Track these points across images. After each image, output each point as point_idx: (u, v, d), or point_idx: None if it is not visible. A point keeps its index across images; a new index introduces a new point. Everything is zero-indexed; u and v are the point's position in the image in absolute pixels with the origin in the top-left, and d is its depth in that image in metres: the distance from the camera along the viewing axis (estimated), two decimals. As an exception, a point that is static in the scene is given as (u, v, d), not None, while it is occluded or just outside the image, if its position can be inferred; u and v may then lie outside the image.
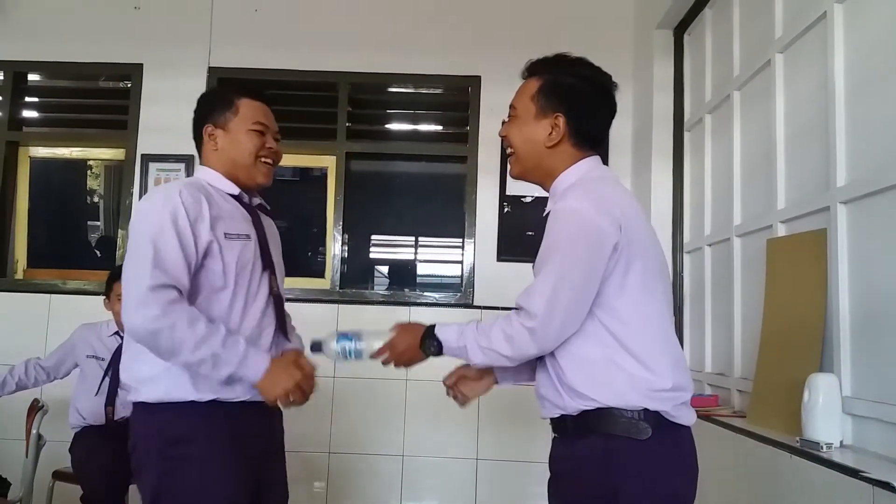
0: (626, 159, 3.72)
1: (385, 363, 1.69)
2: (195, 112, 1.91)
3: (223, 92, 1.92)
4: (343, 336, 1.72)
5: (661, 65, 3.46)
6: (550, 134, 1.55)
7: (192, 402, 1.67)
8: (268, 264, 1.86)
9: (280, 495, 1.92)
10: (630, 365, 1.44)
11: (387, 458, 3.67)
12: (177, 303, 1.60)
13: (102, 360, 3.08)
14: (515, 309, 1.48)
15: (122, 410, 3.05)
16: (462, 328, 1.55)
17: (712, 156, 3.07)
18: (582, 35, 3.71)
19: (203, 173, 1.86)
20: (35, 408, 2.89)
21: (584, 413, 1.46)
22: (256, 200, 1.92)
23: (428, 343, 1.58)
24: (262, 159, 1.86)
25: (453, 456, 3.65)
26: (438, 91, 4.06)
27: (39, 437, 2.84)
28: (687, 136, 3.38)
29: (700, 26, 3.24)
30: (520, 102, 1.60)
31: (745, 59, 2.75)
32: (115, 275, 3.07)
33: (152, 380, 1.68)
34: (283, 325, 1.87)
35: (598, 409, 1.44)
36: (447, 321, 1.61)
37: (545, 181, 1.60)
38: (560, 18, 3.81)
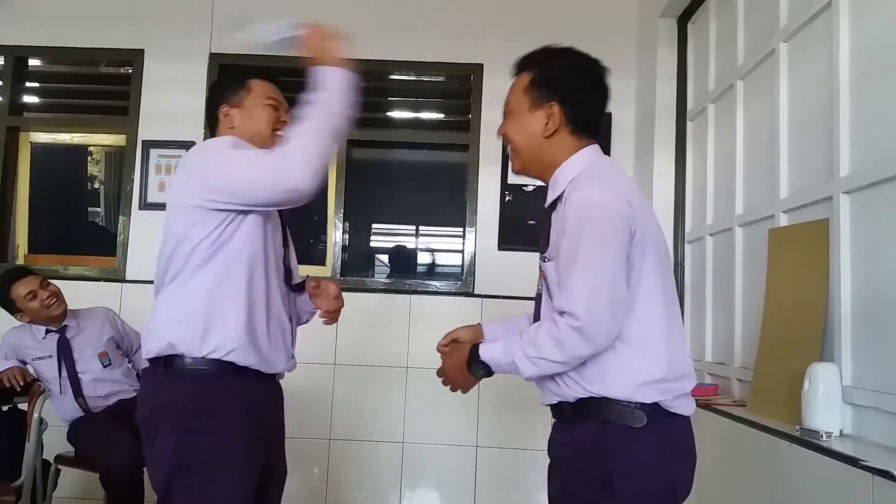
0: (628, 148, 3.71)
1: (445, 384, 1.69)
2: (208, 97, 1.97)
3: (234, 75, 2.01)
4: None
5: (665, 54, 3.45)
6: (547, 124, 1.55)
7: (206, 371, 1.67)
8: (286, 240, 1.96)
9: (283, 472, 1.96)
10: (629, 355, 1.44)
11: (387, 444, 3.68)
12: (288, 151, 1.65)
13: (50, 356, 3.07)
14: (559, 313, 1.44)
15: (102, 391, 3.06)
16: (507, 344, 1.51)
17: (715, 145, 3.06)
18: (585, 23, 3.70)
19: None
20: (37, 392, 2.90)
21: (582, 400, 1.47)
22: None
23: (475, 368, 1.55)
24: (278, 132, 1.91)
25: (453, 443, 3.66)
26: (440, 79, 4.05)
27: (41, 420, 2.84)
28: (690, 125, 3.37)
29: (704, 15, 3.23)
30: (513, 98, 1.61)
31: (748, 48, 2.74)
32: (5, 283, 3.05)
33: (165, 329, 1.68)
34: (291, 301, 1.93)
35: (594, 396, 1.45)
36: (494, 347, 1.55)
37: (546, 173, 1.60)
38: (563, 6, 3.79)
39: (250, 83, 1.94)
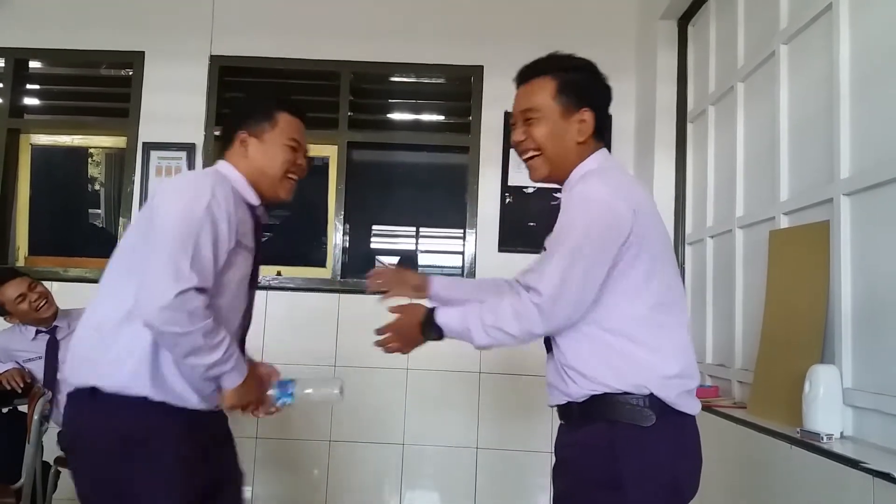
0: (628, 150, 3.71)
1: (386, 348, 1.70)
2: (230, 115, 1.92)
3: (264, 102, 1.89)
4: (282, 385, 1.83)
5: (665, 55, 3.45)
6: (580, 130, 1.57)
7: (146, 399, 1.62)
8: (254, 282, 1.86)
9: (238, 492, 1.90)
10: (635, 350, 1.46)
11: (387, 446, 3.68)
12: (202, 309, 1.57)
13: (40, 357, 3.07)
14: (526, 289, 1.48)
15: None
16: (464, 311, 1.55)
17: (715, 147, 3.06)
18: (585, 25, 3.70)
19: (228, 171, 1.80)
20: (37, 394, 2.89)
21: (590, 399, 1.47)
22: (265, 218, 1.90)
23: (428, 330, 1.59)
24: (290, 175, 1.86)
25: (454, 445, 3.66)
26: (441, 81, 4.05)
27: (41, 422, 2.84)
28: (690, 127, 3.37)
29: (704, 17, 3.23)
30: (540, 103, 1.58)
31: (749, 50, 2.74)
32: (1, 280, 3.04)
33: (113, 366, 1.62)
34: (243, 343, 1.86)
35: (604, 394, 1.46)
36: (451, 313, 1.59)
37: (564, 177, 1.61)
38: (563, 8, 3.80)
39: (278, 118, 1.83)
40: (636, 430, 1.43)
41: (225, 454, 1.87)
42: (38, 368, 3.07)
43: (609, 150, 1.66)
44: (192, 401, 1.68)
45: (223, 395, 1.70)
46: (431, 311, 1.59)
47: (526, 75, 1.63)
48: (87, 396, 1.63)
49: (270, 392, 1.81)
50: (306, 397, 1.85)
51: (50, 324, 3.11)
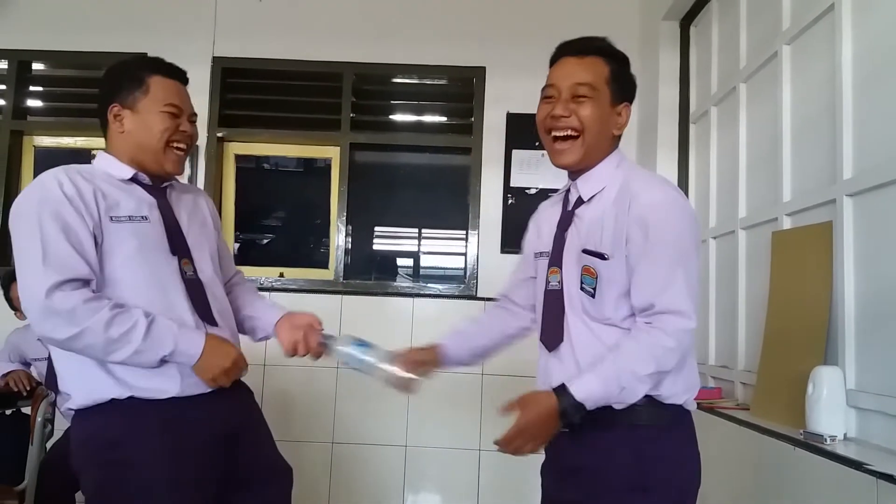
0: (631, 151, 3.70)
1: (513, 449, 1.41)
2: (99, 89, 1.73)
3: (132, 67, 1.72)
4: (358, 343, 1.70)
5: (667, 56, 3.45)
6: (619, 123, 1.55)
7: (116, 401, 1.57)
8: (178, 248, 1.70)
9: (276, 474, 1.82)
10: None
11: (390, 448, 3.68)
12: (82, 304, 1.48)
13: (45, 359, 3.05)
14: (646, 315, 1.41)
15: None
16: (600, 373, 1.38)
17: (718, 148, 3.06)
18: (587, 26, 3.64)
19: (98, 160, 1.71)
20: (40, 396, 2.89)
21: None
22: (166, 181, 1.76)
23: (572, 413, 1.37)
24: (175, 144, 1.70)
25: (456, 447, 3.66)
26: (443, 82, 4.05)
27: (45, 424, 2.84)
28: (692, 128, 3.36)
29: (706, 18, 3.23)
30: (596, 82, 1.50)
31: (751, 50, 2.73)
32: (7, 281, 3.06)
33: (72, 383, 1.60)
34: (203, 312, 1.70)
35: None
36: (587, 381, 1.39)
37: (588, 166, 1.55)
38: (565, 9, 3.79)
39: (148, 81, 1.67)
40: (655, 431, 1.43)
41: (247, 449, 1.75)
42: (44, 368, 3.08)
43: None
44: (168, 389, 1.59)
45: (197, 373, 1.60)
46: (561, 391, 1.38)
47: (580, 48, 1.53)
48: (73, 417, 1.64)
49: (341, 348, 1.73)
50: (368, 369, 1.73)
51: None
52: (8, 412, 3.06)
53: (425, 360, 1.78)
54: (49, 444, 2.93)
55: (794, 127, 2.36)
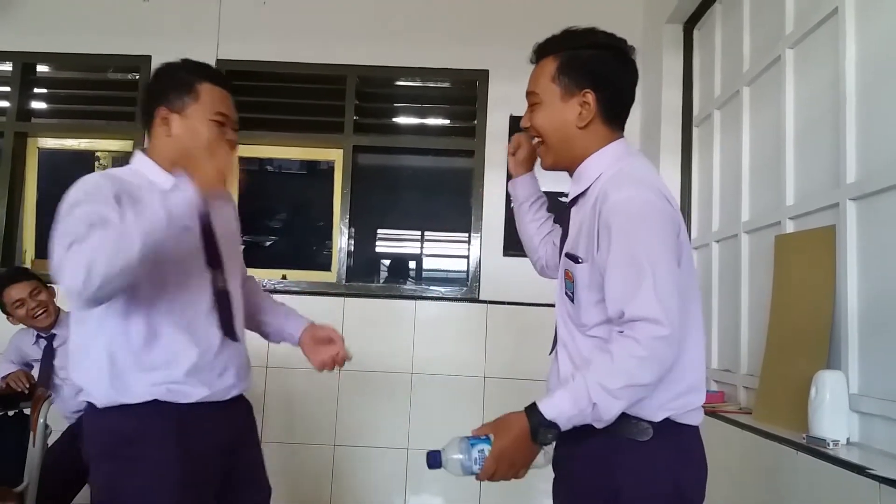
0: (633, 154, 3.70)
1: (494, 479, 1.36)
2: (148, 89, 1.72)
3: (182, 72, 1.71)
4: (477, 440, 1.38)
5: (670, 59, 3.44)
6: (581, 113, 1.45)
7: (140, 404, 1.60)
8: (213, 260, 1.71)
9: (258, 493, 1.85)
10: None
11: (391, 451, 3.68)
12: (78, 244, 1.39)
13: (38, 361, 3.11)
14: (619, 324, 1.31)
15: (76, 405, 3.02)
16: (569, 390, 1.30)
17: (721, 151, 3.06)
18: (591, 29, 3.69)
19: (137, 163, 1.70)
20: (41, 397, 2.90)
21: None
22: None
23: (543, 434, 1.31)
24: None
25: (458, 450, 3.65)
26: (446, 85, 4.06)
27: (46, 426, 2.84)
28: (695, 131, 3.36)
29: (710, 21, 3.22)
30: (540, 87, 1.48)
31: (754, 54, 2.73)
32: (8, 279, 3.06)
33: (95, 383, 1.61)
34: (227, 326, 1.73)
35: None
36: (557, 399, 1.31)
37: (572, 165, 1.50)
38: (568, 12, 3.75)
39: (199, 89, 1.67)
40: (633, 443, 1.37)
41: (241, 464, 1.78)
42: (38, 371, 3.10)
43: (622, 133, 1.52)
44: (193, 393, 1.63)
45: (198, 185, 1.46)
46: (531, 412, 1.33)
47: (536, 54, 1.52)
48: (88, 410, 1.66)
49: (460, 457, 1.39)
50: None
51: (48, 331, 3.11)
52: (11, 413, 3.06)
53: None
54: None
55: (797, 130, 2.36)
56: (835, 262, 2.02)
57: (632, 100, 1.52)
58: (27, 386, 2.96)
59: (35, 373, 3.16)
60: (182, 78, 1.69)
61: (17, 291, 3.04)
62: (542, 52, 1.52)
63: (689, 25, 3.42)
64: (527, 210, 1.79)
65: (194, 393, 1.64)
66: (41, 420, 2.80)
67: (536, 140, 1.54)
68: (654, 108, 3.50)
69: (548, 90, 1.48)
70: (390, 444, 3.68)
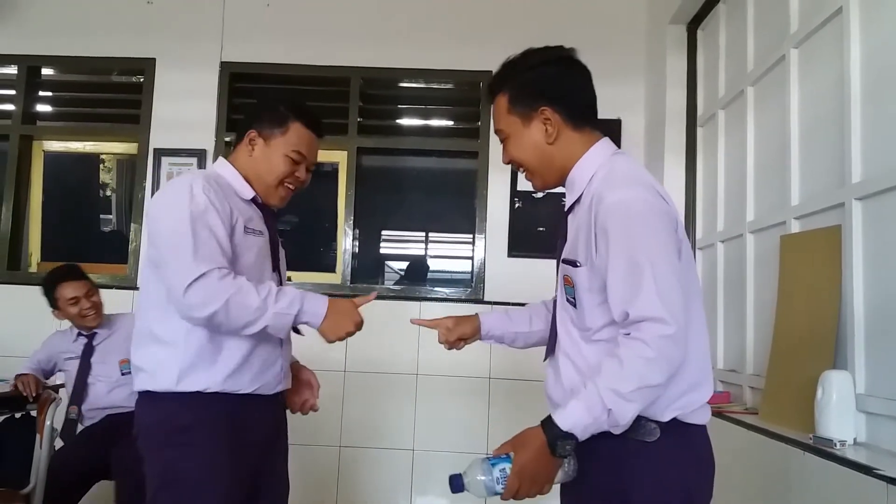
0: (638, 154, 3.70)
1: (519, 496, 1.36)
2: (249, 111, 1.93)
3: (282, 107, 1.87)
4: (497, 460, 1.36)
5: (675, 60, 3.44)
6: (546, 130, 1.49)
7: (197, 393, 1.70)
8: (277, 264, 1.90)
9: (280, 485, 1.95)
10: None
11: (397, 452, 3.68)
12: (219, 280, 1.61)
13: (77, 357, 3.10)
14: (625, 326, 1.32)
15: (107, 402, 3.05)
16: (582, 399, 1.30)
17: (725, 151, 3.05)
18: (594, 30, 3.70)
19: (222, 168, 1.87)
20: (47, 400, 2.91)
21: None
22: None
23: (561, 446, 1.32)
24: (287, 183, 1.88)
25: (463, 450, 3.65)
26: (449, 86, 4.06)
27: (52, 428, 2.85)
28: (700, 131, 3.36)
29: (714, 21, 3.22)
30: (502, 123, 1.54)
31: (759, 54, 2.73)
32: (56, 278, 3.05)
33: (163, 368, 1.71)
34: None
35: None
36: (571, 409, 1.30)
37: (562, 179, 1.53)
38: (572, 13, 3.80)
39: (291, 127, 1.84)
40: (641, 444, 1.38)
41: (270, 459, 1.89)
42: (74, 367, 3.10)
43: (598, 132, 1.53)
44: (243, 386, 1.74)
45: (322, 332, 1.71)
46: (547, 425, 1.33)
47: (488, 95, 1.58)
48: (143, 397, 1.76)
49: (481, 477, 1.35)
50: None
51: (90, 330, 3.13)
52: (18, 415, 3.07)
53: (470, 329, 1.79)
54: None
55: (802, 130, 2.35)
56: (840, 261, 2.01)
57: (592, 97, 1.54)
58: (34, 394, 2.97)
59: (61, 376, 3.18)
60: (280, 112, 1.86)
61: (72, 289, 3.03)
62: (491, 92, 1.57)
63: (693, 26, 3.42)
64: (513, 339, 1.82)
65: (248, 385, 1.75)
66: (48, 422, 2.81)
67: (522, 171, 1.57)
68: (659, 108, 3.50)
69: (509, 123, 1.53)
70: (396, 445, 3.68)
